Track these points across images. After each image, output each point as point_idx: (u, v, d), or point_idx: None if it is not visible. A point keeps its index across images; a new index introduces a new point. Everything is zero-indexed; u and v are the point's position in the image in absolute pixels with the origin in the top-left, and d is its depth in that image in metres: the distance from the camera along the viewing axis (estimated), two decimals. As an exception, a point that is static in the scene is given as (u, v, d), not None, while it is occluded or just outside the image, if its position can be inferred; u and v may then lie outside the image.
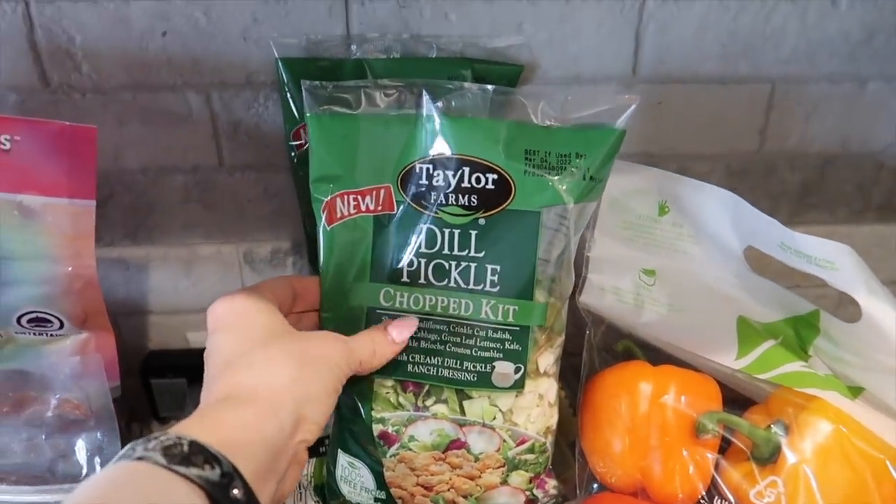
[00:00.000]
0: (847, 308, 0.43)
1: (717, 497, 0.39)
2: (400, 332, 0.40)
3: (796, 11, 0.52)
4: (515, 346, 0.42)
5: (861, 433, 0.38)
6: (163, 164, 0.54)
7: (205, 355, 0.36)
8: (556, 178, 0.39)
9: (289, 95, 0.49)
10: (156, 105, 0.52)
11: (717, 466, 0.41)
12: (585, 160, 0.39)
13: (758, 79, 0.55)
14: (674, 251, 0.46)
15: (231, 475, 0.28)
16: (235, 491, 0.28)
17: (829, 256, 0.39)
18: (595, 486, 0.44)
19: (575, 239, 0.42)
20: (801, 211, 0.61)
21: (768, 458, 0.39)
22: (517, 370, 0.42)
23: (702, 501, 0.40)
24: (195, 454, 0.28)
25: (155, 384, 0.60)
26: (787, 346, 0.43)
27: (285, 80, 0.48)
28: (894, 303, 0.39)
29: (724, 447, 0.42)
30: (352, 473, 0.46)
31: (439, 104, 0.39)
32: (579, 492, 0.44)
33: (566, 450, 0.49)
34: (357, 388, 0.44)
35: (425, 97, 0.39)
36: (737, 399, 0.44)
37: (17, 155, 0.36)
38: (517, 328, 0.42)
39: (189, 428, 0.29)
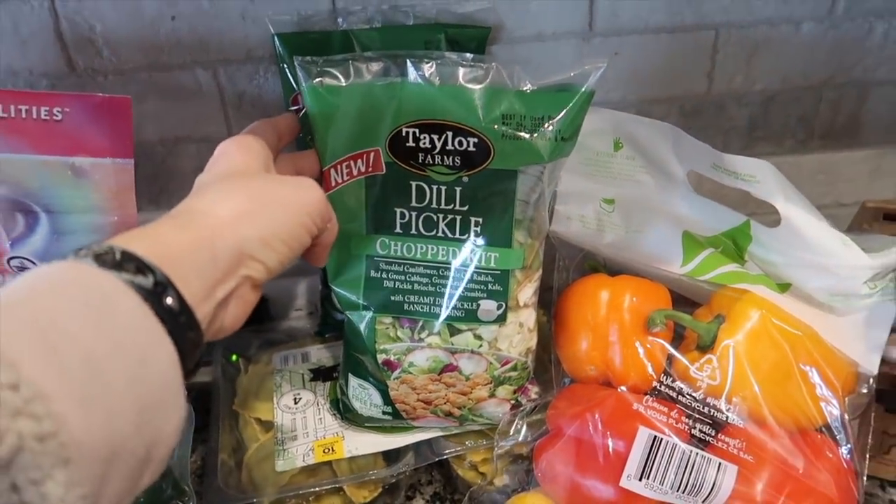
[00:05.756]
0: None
1: (665, 376, 0.46)
2: None
3: (733, -38, 0.56)
4: (497, 287, 0.47)
5: (783, 316, 0.44)
6: (178, 134, 0.59)
7: None
8: (531, 139, 0.42)
9: (285, 67, 0.52)
10: (169, 82, 0.56)
11: (669, 359, 0.47)
12: (557, 122, 0.42)
13: (702, 26, 0.59)
14: (628, 181, 0.51)
15: (164, 285, 0.27)
16: (169, 300, 0.27)
17: (751, 171, 0.45)
18: (567, 380, 0.50)
19: (550, 188, 0.46)
20: (751, 144, 0.66)
21: (709, 345, 0.45)
22: (499, 307, 0.47)
23: (653, 382, 0.46)
24: (127, 261, 0.26)
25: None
26: (726, 253, 0.49)
27: (281, 53, 0.53)
28: (808, 206, 0.45)
29: (677, 344, 0.48)
30: (362, 393, 0.51)
31: (422, 72, 0.41)
32: (555, 388, 0.51)
33: (547, 362, 0.55)
34: (364, 326, 0.49)
35: (409, 66, 0.41)
36: (686, 305, 0.50)
37: (68, 124, 0.41)
38: (498, 272, 0.46)
39: (123, 239, 0.28)
